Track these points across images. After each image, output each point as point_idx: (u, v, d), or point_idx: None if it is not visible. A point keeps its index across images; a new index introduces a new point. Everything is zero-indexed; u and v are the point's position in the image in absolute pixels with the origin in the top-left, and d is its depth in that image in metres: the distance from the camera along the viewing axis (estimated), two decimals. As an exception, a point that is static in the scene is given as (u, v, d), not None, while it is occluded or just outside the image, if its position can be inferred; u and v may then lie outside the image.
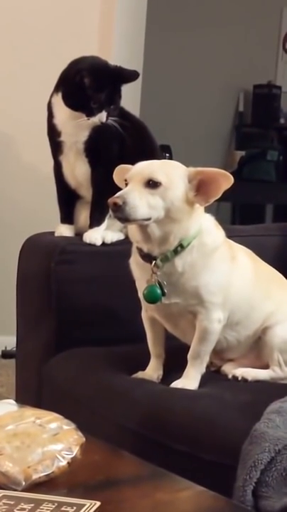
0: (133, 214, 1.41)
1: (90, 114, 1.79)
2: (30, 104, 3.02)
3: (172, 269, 1.50)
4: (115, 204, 1.41)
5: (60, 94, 1.83)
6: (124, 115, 1.88)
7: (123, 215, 1.42)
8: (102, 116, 1.79)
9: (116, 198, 1.42)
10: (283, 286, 1.72)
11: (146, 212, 1.43)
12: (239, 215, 4.95)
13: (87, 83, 1.77)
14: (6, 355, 3.19)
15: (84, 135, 1.83)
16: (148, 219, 1.44)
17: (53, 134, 1.87)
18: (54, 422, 1.12)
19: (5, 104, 3.22)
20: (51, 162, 1.92)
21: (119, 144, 1.85)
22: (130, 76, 1.86)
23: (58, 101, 1.84)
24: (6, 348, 3.19)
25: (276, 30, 5.34)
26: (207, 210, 1.56)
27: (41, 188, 2.74)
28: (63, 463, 1.06)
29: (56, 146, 1.88)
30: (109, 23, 3.23)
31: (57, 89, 1.85)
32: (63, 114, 1.83)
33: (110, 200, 1.42)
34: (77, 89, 1.79)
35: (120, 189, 1.47)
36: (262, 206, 5.00)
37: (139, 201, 1.42)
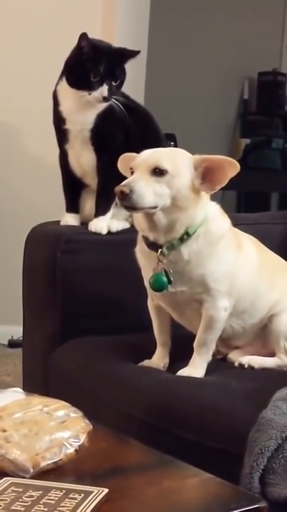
0: (139, 202, 1.41)
1: (91, 88, 1.78)
2: (34, 94, 3.01)
3: (178, 257, 1.50)
4: (122, 192, 1.41)
5: (64, 79, 1.84)
6: (129, 103, 1.88)
7: (129, 204, 1.42)
8: (103, 91, 1.78)
9: (123, 186, 1.41)
10: (289, 274, 1.71)
11: (153, 200, 1.43)
12: (244, 203, 4.94)
13: (85, 49, 1.77)
14: (13, 344, 3.19)
15: (89, 122, 1.83)
16: (155, 207, 1.44)
17: (59, 121, 1.87)
18: (61, 409, 1.12)
19: (9, 95, 3.22)
20: (56, 152, 1.92)
21: (125, 133, 1.84)
22: (131, 53, 1.85)
23: (63, 87, 1.84)
24: (12, 337, 3.20)
25: (281, 17, 5.31)
26: (212, 198, 1.55)
27: (46, 178, 2.75)
28: (71, 450, 1.06)
29: (62, 135, 1.88)
30: (112, 11, 3.22)
31: (62, 75, 1.86)
32: (68, 99, 1.83)
33: (117, 189, 1.42)
34: (77, 63, 1.80)
35: (125, 178, 1.47)
36: (267, 194, 4.98)
37: (146, 189, 1.42)
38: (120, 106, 1.81)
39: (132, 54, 1.85)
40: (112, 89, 1.79)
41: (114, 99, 1.81)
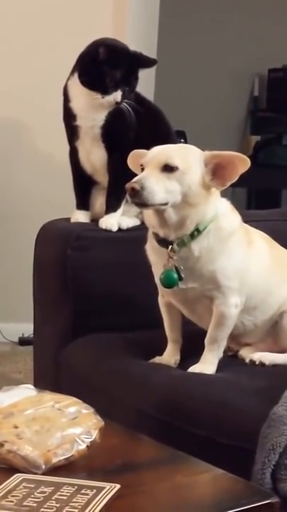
0: (150, 199, 1.41)
1: (105, 92, 1.78)
2: (45, 90, 3.02)
3: (188, 253, 1.50)
4: (133, 189, 1.41)
5: (76, 75, 1.83)
6: (140, 100, 1.87)
7: (140, 200, 1.42)
8: (117, 96, 1.78)
9: (134, 183, 1.41)
10: (300, 270, 1.71)
11: (163, 196, 1.43)
12: (255, 200, 4.93)
13: (101, 55, 1.77)
14: (24, 342, 3.20)
15: (100, 119, 1.83)
16: (165, 204, 1.44)
17: (69, 118, 1.86)
18: (73, 406, 1.12)
19: (20, 92, 3.22)
20: (66, 149, 1.92)
21: (135, 130, 1.84)
22: (148, 61, 1.86)
23: (74, 83, 1.84)
24: (23, 334, 3.20)
25: (290, 14, 5.29)
26: (222, 195, 1.55)
27: (56, 175, 2.74)
28: (82, 446, 1.07)
29: (72, 131, 1.87)
30: (122, 8, 3.22)
31: (73, 70, 1.85)
32: (79, 96, 1.83)
33: (128, 185, 1.42)
34: (93, 65, 1.79)
35: (136, 175, 1.47)
36: (278, 191, 4.97)
37: (156, 186, 1.42)
38: (130, 109, 1.80)
39: (149, 63, 1.86)
40: (125, 94, 1.79)
41: (125, 102, 1.80)
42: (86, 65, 1.82)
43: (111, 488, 0.97)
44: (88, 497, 0.95)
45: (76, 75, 1.83)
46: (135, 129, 1.83)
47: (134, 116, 1.81)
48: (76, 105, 1.85)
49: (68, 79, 1.87)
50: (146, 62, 1.86)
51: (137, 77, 1.83)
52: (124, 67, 1.79)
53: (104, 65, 1.78)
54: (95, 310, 1.81)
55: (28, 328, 2.57)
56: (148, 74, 2.66)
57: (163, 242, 1.51)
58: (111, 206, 1.84)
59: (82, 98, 1.83)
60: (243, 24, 4.91)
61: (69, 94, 1.86)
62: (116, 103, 1.79)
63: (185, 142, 3.88)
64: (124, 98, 1.79)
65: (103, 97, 1.79)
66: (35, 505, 0.93)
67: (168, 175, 1.44)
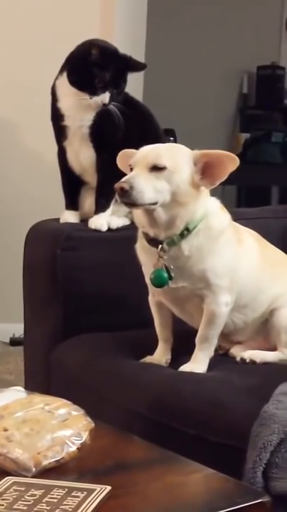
0: (140, 198, 1.41)
1: (93, 93, 1.78)
2: (34, 90, 3.01)
3: (178, 252, 1.50)
4: (122, 189, 1.41)
5: (65, 74, 1.83)
6: (128, 100, 1.87)
7: (130, 200, 1.41)
8: (105, 97, 1.78)
9: (123, 182, 1.41)
10: (290, 268, 1.71)
11: (153, 196, 1.42)
12: (245, 197, 4.94)
13: (93, 56, 1.77)
14: (14, 342, 3.19)
15: (88, 119, 1.82)
16: (155, 203, 1.44)
17: (57, 118, 1.86)
18: (63, 408, 1.12)
19: (9, 91, 3.21)
20: (55, 149, 1.91)
21: (123, 130, 1.84)
22: (137, 65, 1.87)
23: (63, 82, 1.83)
24: (13, 335, 3.20)
25: (279, 11, 5.30)
26: (213, 193, 1.55)
27: (46, 175, 2.74)
28: (73, 448, 1.06)
29: (60, 131, 1.87)
30: (110, 6, 3.21)
31: (62, 70, 1.85)
32: (67, 96, 1.83)
33: (117, 185, 1.41)
34: (83, 65, 1.79)
35: (125, 175, 1.46)
36: (268, 188, 4.98)
37: (146, 185, 1.41)
38: (117, 111, 1.80)
39: (138, 67, 1.86)
40: (113, 96, 1.79)
41: (113, 104, 1.80)
42: (76, 65, 1.82)
43: (101, 490, 0.97)
44: (79, 499, 0.94)
45: (65, 75, 1.83)
46: (123, 129, 1.83)
47: (122, 118, 1.81)
48: (64, 105, 1.84)
49: (56, 78, 1.87)
50: (136, 66, 1.86)
51: (126, 80, 1.83)
52: (114, 69, 1.79)
53: (94, 66, 1.78)
54: (85, 310, 1.81)
55: (18, 329, 2.57)
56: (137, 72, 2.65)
57: (153, 242, 1.51)
58: (101, 206, 1.84)
59: (70, 98, 1.83)
60: (231, 22, 4.92)
61: (57, 93, 1.86)
62: (104, 105, 1.79)
63: (175, 140, 3.88)
64: (112, 100, 1.79)
65: (91, 98, 1.78)
66: (25, 508, 0.93)
67: (156, 174, 1.44)
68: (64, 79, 1.83)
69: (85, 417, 1.12)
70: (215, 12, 4.84)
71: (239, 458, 1.24)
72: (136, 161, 1.46)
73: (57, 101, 1.86)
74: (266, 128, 4.89)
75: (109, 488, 0.97)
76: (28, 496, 0.95)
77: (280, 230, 2.01)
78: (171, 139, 3.89)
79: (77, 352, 1.72)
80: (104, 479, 1.01)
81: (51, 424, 1.08)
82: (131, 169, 1.46)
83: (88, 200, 1.89)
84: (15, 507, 0.93)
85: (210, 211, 1.52)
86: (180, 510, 0.99)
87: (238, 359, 1.59)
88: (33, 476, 1.01)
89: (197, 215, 1.49)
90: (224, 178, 1.47)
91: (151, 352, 1.62)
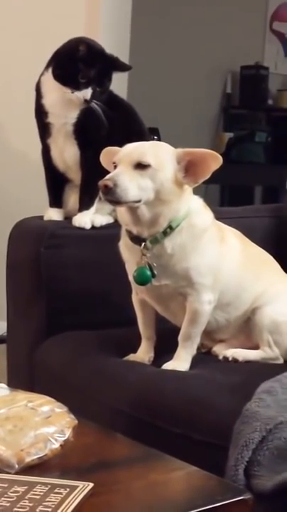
0: (124, 196, 1.41)
1: (76, 87, 1.78)
2: (17, 88, 3.00)
3: (161, 250, 1.50)
4: (106, 186, 1.41)
5: (50, 70, 1.83)
6: (112, 98, 1.87)
7: (114, 198, 1.41)
8: (87, 93, 1.78)
9: (107, 180, 1.41)
10: (272, 267, 1.72)
11: (137, 194, 1.43)
12: (228, 197, 4.95)
13: (81, 52, 1.78)
14: (-3, 340, 3.18)
15: (72, 117, 1.82)
16: (138, 201, 1.44)
17: (41, 115, 1.86)
18: (46, 405, 1.12)
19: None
20: (39, 147, 1.91)
21: (108, 127, 1.84)
22: (123, 66, 1.88)
23: (47, 79, 1.83)
24: (-4, 333, 3.18)
25: (263, 11, 5.32)
26: (196, 192, 1.55)
27: (30, 173, 2.73)
28: (56, 445, 1.06)
29: (44, 128, 1.87)
30: (95, 6, 3.21)
31: (48, 66, 1.85)
32: (51, 93, 1.83)
33: (101, 183, 1.41)
34: (69, 60, 1.79)
35: (109, 172, 1.46)
36: (251, 188, 5.00)
37: (129, 183, 1.42)
38: (100, 111, 1.80)
39: (123, 68, 1.87)
40: (95, 94, 1.79)
41: (95, 103, 1.80)
42: (62, 59, 1.82)
43: (84, 487, 0.97)
44: (61, 496, 0.94)
45: (50, 71, 1.83)
46: (107, 127, 1.83)
47: (104, 117, 1.81)
48: (48, 102, 1.84)
49: (42, 75, 1.87)
50: (121, 66, 1.88)
51: (110, 79, 1.84)
52: (99, 67, 1.80)
53: (80, 61, 1.78)
54: (69, 308, 1.81)
55: (1, 327, 2.56)
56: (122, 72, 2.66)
57: (136, 240, 1.51)
58: (85, 204, 1.84)
59: (54, 94, 1.83)
60: (215, 22, 4.93)
61: (41, 90, 1.86)
62: (85, 101, 1.79)
63: (159, 139, 3.88)
64: (94, 98, 1.79)
65: (72, 92, 1.78)
66: (8, 504, 0.92)
67: (140, 172, 1.44)
68: (49, 75, 1.83)
69: (68, 414, 1.12)
70: (200, 12, 4.85)
71: (222, 456, 1.24)
72: (120, 159, 1.46)
73: (42, 97, 1.86)
74: (250, 128, 4.91)
75: (91, 485, 0.97)
76: (11, 492, 0.95)
77: (263, 229, 2.02)
78: (155, 137, 3.89)
79: (60, 350, 1.72)
80: (86, 476, 1.01)
81: (34, 421, 1.08)
82: (115, 167, 1.46)
83: (72, 198, 1.89)
84: (-3, 504, 0.93)
85: (193, 209, 1.53)
86: (162, 507, 0.99)
87: (220, 357, 1.60)
88: (16, 473, 1.01)
89: (181, 213, 1.50)
90: (207, 176, 1.47)
91: (135, 350, 1.62)
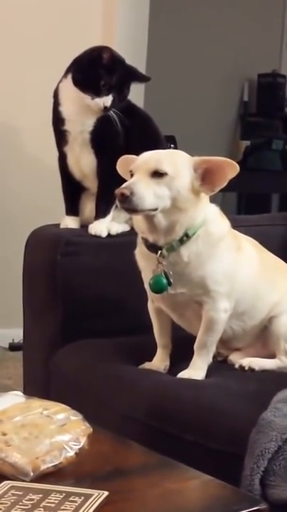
0: (140, 204, 1.41)
1: (97, 94, 1.78)
2: (35, 95, 3.01)
3: (177, 258, 1.50)
4: (122, 195, 1.41)
5: (69, 77, 1.83)
6: (129, 106, 1.88)
7: (130, 206, 1.42)
8: (107, 101, 1.79)
9: (124, 188, 1.41)
10: (289, 275, 1.71)
11: (153, 202, 1.43)
12: (245, 204, 4.94)
13: (104, 60, 1.78)
14: (14, 347, 3.19)
15: (89, 125, 1.83)
16: (155, 209, 1.44)
17: (58, 122, 1.86)
18: (61, 412, 1.12)
19: (10, 96, 3.22)
20: (55, 154, 1.92)
21: (125, 135, 1.84)
22: (142, 77, 1.90)
23: (66, 86, 1.84)
24: (13, 340, 3.20)
25: (280, 19, 5.32)
26: (213, 200, 1.55)
27: (46, 181, 2.74)
28: (71, 453, 1.06)
29: (61, 136, 1.87)
30: (111, 13, 3.22)
31: (66, 73, 1.85)
32: (69, 100, 1.83)
33: (117, 191, 1.42)
34: (91, 66, 1.80)
35: (125, 180, 1.47)
36: (267, 196, 4.98)
37: (146, 191, 1.42)
38: (116, 120, 1.81)
39: (142, 79, 1.89)
40: (114, 102, 1.80)
41: (113, 111, 1.81)
42: (84, 65, 1.83)
43: (99, 495, 0.97)
44: (76, 504, 0.94)
45: (69, 77, 1.83)
46: (123, 136, 1.83)
47: (120, 126, 1.81)
48: (66, 109, 1.85)
49: (60, 81, 1.87)
50: (140, 77, 1.89)
51: (129, 88, 1.84)
52: (120, 75, 1.81)
53: (102, 68, 1.79)
54: (85, 316, 1.81)
55: (18, 334, 2.56)
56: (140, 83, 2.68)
57: (153, 248, 1.51)
58: (101, 212, 1.84)
59: (72, 102, 1.83)
60: (232, 29, 4.93)
61: (59, 97, 1.86)
62: (105, 108, 1.79)
63: (175, 147, 3.89)
64: (113, 106, 1.80)
65: (93, 99, 1.79)
66: (23, 512, 0.93)
67: (157, 180, 1.44)
68: (68, 82, 1.83)
69: (83, 422, 1.12)
70: (217, 19, 4.85)
71: (237, 465, 1.24)
72: (136, 167, 1.46)
73: (59, 105, 1.86)
74: (267, 135, 4.90)
75: (106, 493, 0.97)
76: (26, 500, 0.95)
77: (279, 238, 2.01)
78: (171, 145, 3.90)
79: (76, 357, 1.72)
80: (101, 484, 1.01)
81: (49, 429, 1.08)
82: (132, 175, 1.46)
83: (88, 206, 1.89)
84: (13, 511, 0.93)
85: (209, 217, 1.53)
86: (177, 516, 0.99)
87: (236, 366, 1.59)
88: (31, 481, 1.01)
89: (197, 221, 1.50)
90: (224, 184, 1.47)
91: (150, 358, 1.62)
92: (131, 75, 1.85)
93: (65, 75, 1.85)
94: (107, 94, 1.79)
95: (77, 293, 1.80)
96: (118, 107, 1.81)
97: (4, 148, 3.29)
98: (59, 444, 1.06)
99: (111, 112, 1.80)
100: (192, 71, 4.80)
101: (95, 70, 1.79)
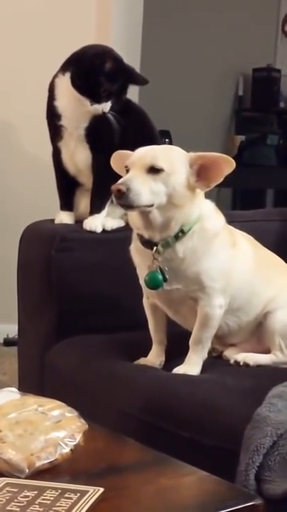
0: (136, 200, 1.41)
1: (96, 100, 1.77)
2: (30, 91, 3.01)
3: (173, 254, 1.50)
4: (119, 191, 1.40)
5: (67, 75, 1.81)
6: (125, 102, 1.86)
7: (126, 202, 1.41)
8: (106, 107, 1.78)
9: (120, 184, 1.41)
10: (284, 271, 1.71)
11: (149, 198, 1.43)
12: (240, 200, 4.94)
13: (107, 68, 1.77)
14: (8, 343, 3.19)
15: (85, 121, 1.82)
16: (151, 205, 1.44)
17: (53, 116, 1.85)
18: (56, 409, 1.12)
19: (4, 92, 3.21)
20: (50, 149, 1.91)
21: (120, 131, 1.84)
22: (141, 80, 1.88)
23: (63, 82, 1.82)
24: (8, 335, 3.19)
25: (275, 13, 5.31)
26: (208, 195, 1.55)
27: (41, 176, 2.74)
28: (66, 450, 1.06)
29: (56, 131, 1.86)
30: (106, 9, 3.21)
31: (63, 69, 1.83)
32: (66, 96, 1.82)
33: (113, 187, 1.41)
34: (91, 72, 1.78)
35: (120, 176, 1.46)
36: (262, 191, 4.99)
37: (142, 188, 1.41)
38: (113, 119, 1.80)
39: (140, 81, 1.87)
40: (112, 106, 1.79)
41: (110, 113, 1.80)
42: (84, 70, 1.79)
43: (94, 492, 0.96)
44: (71, 501, 0.94)
45: (67, 75, 1.81)
46: (119, 132, 1.82)
47: (117, 124, 1.81)
48: (61, 104, 1.83)
49: (56, 76, 1.84)
50: (138, 80, 1.87)
51: (126, 92, 1.83)
52: (120, 82, 1.79)
53: (103, 76, 1.77)
54: (80, 311, 1.81)
55: (12, 329, 2.56)
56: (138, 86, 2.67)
57: (148, 244, 1.51)
58: (96, 207, 1.84)
59: (68, 98, 1.81)
60: (227, 24, 4.92)
61: (55, 92, 1.84)
62: (103, 113, 1.78)
63: (170, 142, 3.88)
64: (111, 109, 1.79)
65: (91, 105, 1.77)
66: (18, 509, 0.93)
67: (153, 176, 1.44)
68: (65, 79, 1.81)
69: (79, 418, 1.12)
70: (211, 14, 4.85)
71: (233, 461, 1.24)
72: (132, 163, 1.46)
73: (55, 99, 1.84)
74: (262, 130, 4.90)
75: (102, 489, 0.97)
76: (21, 497, 0.95)
77: (274, 233, 2.01)
78: (167, 140, 3.89)
79: (71, 353, 1.72)
80: (97, 481, 1.00)
81: (44, 426, 1.08)
82: (127, 170, 1.46)
83: (83, 201, 1.89)
84: (8, 508, 0.93)
85: (205, 213, 1.52)
86: (173, 512, 0.99)
87: (232, 361, 1.60)
88: (26, 478, 1.01)
89: (192, 217, 1.49)
90: (220, 180, 1.47)
91: (145, 354, 1.62)
92: (130, 79, 1.84)
93: (62, 72, 1.83)
94: (107, 101, 1.78)
95: (72, 289, 1.80)
96: (114, 107, 1.80)
97: (1, 145, 3.28)
98: (54, 441, 1.06)
99: (109, 114, 1.79)
100: (186, 66, 4.79)
101: (96, 77, 1.77)
